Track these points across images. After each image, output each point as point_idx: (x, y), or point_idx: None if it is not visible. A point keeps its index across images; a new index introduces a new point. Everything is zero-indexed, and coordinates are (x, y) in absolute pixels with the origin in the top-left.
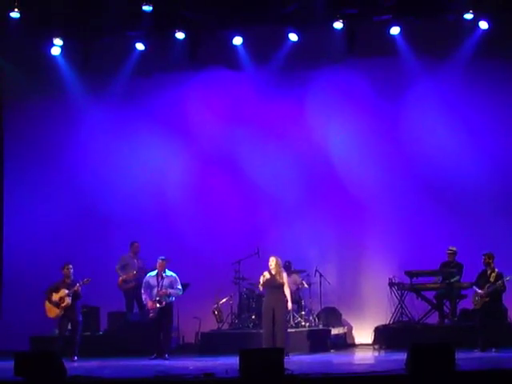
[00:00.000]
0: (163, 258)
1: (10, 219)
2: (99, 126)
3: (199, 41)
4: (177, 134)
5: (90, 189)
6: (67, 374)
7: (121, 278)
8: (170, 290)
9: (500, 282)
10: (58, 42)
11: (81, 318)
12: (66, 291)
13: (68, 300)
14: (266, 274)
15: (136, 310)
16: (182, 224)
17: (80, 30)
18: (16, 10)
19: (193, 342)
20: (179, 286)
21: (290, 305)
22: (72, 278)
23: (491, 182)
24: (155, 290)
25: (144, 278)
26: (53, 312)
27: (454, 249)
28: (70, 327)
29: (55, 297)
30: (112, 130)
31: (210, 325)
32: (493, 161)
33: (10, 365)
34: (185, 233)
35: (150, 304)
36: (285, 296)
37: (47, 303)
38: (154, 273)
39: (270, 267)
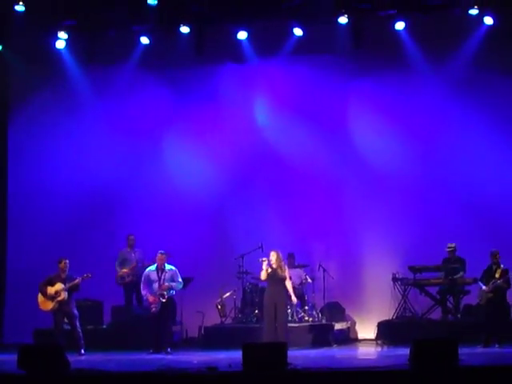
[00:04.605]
0: (163, 251)
1: (14, 214)
2: (103, 119)
3: (204, 35)
4: (181, 127)
5: (96, 182)
6: (70, 368)
7: (117, 275)
8: (172, 284)
9: (502, 280)
10: (62, 35)
11: (76, 311)
12: (63, 286)
13: (65, 294)
14: (267, 268)
15: (135, 303)
16: (186, 218)
17: (85, 24)
18: (21, 2)
19: (196, 336)
20: (180, 279)
21: (294, 298)
22: (67, 272)
23: (496, 176)
24: (156, 285)
25: (143, 270)
26: (47, 305)
27: (453, 245)
28: (66, 320)
29: (50, 290)
30: (116, 123)
31: (214, 319)
32: (496, 156)
33: (13, 358)
34: (189, 227)
35: (151, 298)
36: (287, 290)
37: (40, 296)
38: (153, 267)
39: (271, 261)
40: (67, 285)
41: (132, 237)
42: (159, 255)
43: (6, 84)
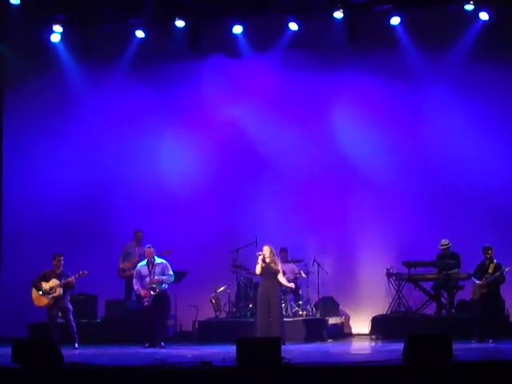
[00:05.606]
0: (150, 245)
1: (8, 208)
2: (99, 114)
3: (199, 29)
4: (175, 122)
5: (90, 177)
6: (64, 361)
7: (119, 268)
8: (163, 277)
9: (498, 273)
10: (57, 28)
11: (70, 305)
12: (58, 282)
13: (60, 290)
14: (261, 262)
15: (134, 298)
16: (180, 212)
17: (80, 17)
18: None
19: (190, 330)
20: (170, 272)
21: (292, 285)
22: (62, 268)
23: (488, 173)
24: (147, 279)
25: None
26: (42, 301)
27: (447, 242)
28: (60, 315)
29: (45, 286)
30: (112, 117)
31: (208, 313)
32: (492, 150)
33: (7, 351)
34: (183, 221)
35: (143, 292)
36: (280, 284)
37: (35, 292)
38: (144, 262)
39: (265, 256)
40: (63, 281)
41: (140, 233)
42: (147, 249)
43: (0, 77)
